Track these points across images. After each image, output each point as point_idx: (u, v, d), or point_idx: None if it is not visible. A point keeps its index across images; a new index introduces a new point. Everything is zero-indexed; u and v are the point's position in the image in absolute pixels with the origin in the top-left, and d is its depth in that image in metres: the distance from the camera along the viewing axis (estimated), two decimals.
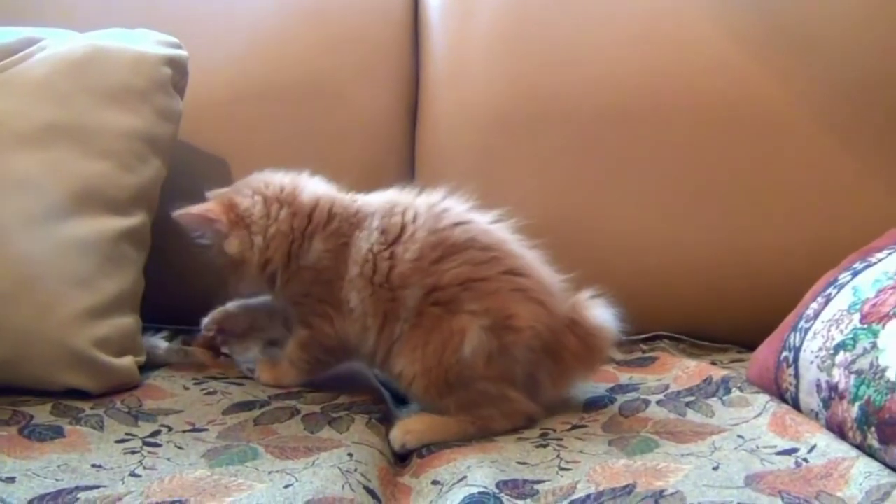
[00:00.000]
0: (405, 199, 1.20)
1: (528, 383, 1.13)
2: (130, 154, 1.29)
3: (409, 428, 1.10)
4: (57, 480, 0.91)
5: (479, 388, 1.10)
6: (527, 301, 1.12)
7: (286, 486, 0.89)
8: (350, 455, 0.97)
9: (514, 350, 1.10)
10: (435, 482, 0.95)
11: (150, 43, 1.38)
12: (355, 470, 0.93)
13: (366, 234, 1.17)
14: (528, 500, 0.89)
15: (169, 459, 0.98)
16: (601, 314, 1.15)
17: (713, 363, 1.34)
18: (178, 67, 1.38)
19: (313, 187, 1.24)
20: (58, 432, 1.04)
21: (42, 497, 0.88)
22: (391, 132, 1.59)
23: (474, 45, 1.60)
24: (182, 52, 1.40)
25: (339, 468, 0.93)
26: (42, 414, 1.09)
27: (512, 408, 1.11)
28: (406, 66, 1.63)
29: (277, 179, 1.24)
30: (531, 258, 1.18)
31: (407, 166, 1.58)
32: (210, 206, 1.22)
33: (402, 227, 1.16)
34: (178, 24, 1.51)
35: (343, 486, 0.89)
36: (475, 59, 1.59)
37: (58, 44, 1.33)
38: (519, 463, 0.98)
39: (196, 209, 1.21)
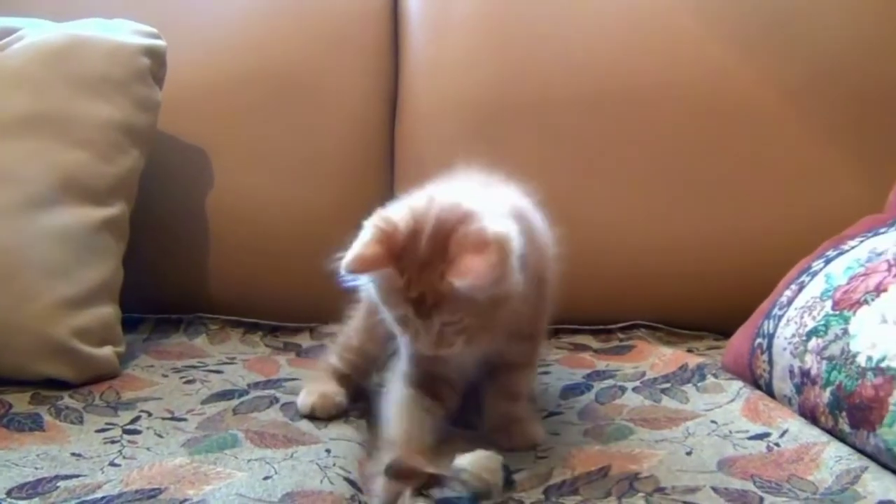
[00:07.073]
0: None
1: None
2: (109, 144, 1.29)
3: None
4: (36, 469, 0.92)
5: None
6: None
7: (265, 478, 0.89)
8: (328, 451, 0.97)
9: None
10: None
11: (128, 33, 1.37)
12: (333, 464, 0.94)
13: None
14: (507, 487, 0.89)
15: (149, 449, 0.98)
16: None
17: (689, 350, 1.35)
18: (156, 57, 1.38)
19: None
20: (37, 422, 1.04)
21: (22, 486, 0.88)
22: (371, 124, 1.58)
23: (453, 36, 1.60)
24: (160, 42, 1.39)
25: (317, 464, 0.93)
26: (21, 404, 1.09)
27: None
28: (386, 57, 1.63)
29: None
30: None
31: (386, 158, 1.58)
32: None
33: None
34: (157, 14, 1.50)
35: (322, 481, 0.89)
36: (454, 50, 1.59)
37: (35, 33, 1.33)
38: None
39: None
